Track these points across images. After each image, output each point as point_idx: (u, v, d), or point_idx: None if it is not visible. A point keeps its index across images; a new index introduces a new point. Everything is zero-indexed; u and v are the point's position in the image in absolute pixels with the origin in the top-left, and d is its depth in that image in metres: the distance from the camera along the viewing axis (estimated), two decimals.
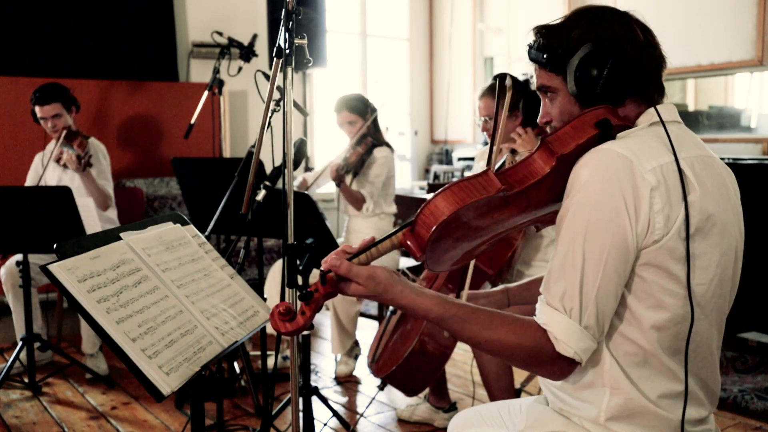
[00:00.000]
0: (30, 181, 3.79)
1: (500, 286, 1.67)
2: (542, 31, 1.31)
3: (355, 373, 3.58)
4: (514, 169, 1.22)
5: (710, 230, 1.19)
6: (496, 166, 1.28)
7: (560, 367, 1.18)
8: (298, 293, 1.20)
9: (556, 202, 1.27)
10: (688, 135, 1.27)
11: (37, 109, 3.58)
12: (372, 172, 3.63)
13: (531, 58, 1.32)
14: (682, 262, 1.17)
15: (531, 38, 1.33)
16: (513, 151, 2.67)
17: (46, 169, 3.63)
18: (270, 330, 3.49)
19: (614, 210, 1.14)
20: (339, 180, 3.54)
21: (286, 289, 2.04)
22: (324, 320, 4.59)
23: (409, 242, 1.19)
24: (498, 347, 1.19)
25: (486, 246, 1.38)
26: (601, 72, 1.22)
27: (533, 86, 1.37)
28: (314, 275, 3.36)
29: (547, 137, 1.23)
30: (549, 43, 1.28)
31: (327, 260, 1.21)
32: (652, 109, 1.26)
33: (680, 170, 1.17)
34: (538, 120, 1.37)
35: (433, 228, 1.15)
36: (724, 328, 1.30)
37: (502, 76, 2.75)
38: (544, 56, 1.28)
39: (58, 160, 3.65)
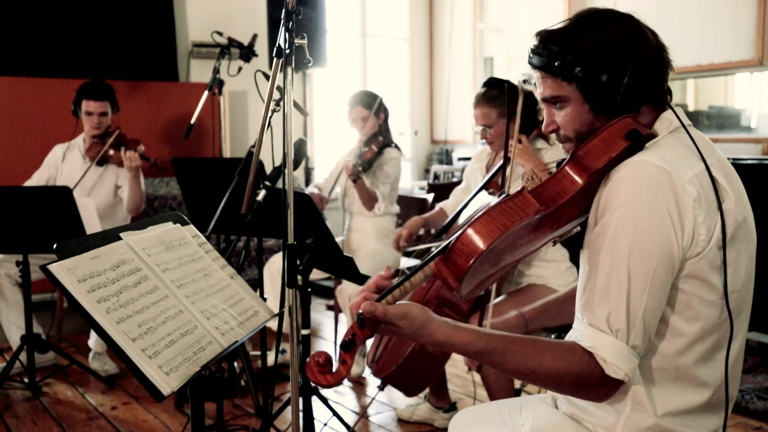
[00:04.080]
0: (44, 170, 3.78)
1: (513, 312, 1.64)
2: (549, 36, 1.24)
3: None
4: (545, 187, 1.17)
5: (741, 236, 1.18)
6: (486, 179, 1.26)
7: (607, 389, 1.15)
8: (339, 343, 1.15)
9: (580, 217, 1.24)
10: (702, 138, 1.25)
11: (86, 103, 3.64)
12: (384, 173, 3.61)
13: (536, 66, 1.25)
14: (718, 271, 1.15)
15: (534, 44, 1.26)
16: (500, 169, 2.65)
17: (88, 170, 3.64)
18: (271, 326, 3.48)
19: (659, 225, 1.10)
20: (356, 176, 3.46)
21: (286, 289, 2.04)
22: (324, 320, 4.59)
23: (444, 273, 1.14)
24: (545, 376, 1.15)
25: (512, 267, 1.34)
26: (621, 80, 1.18)
27: (536, 93, 1.33)
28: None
29: (577, 151, 1.18)
30: (560, 50, 1.21)
31: (360, 305, 1.14)
32: (668, 114, 1.24)
33: (712, 178, 1.15)
34: (543, 129, 1.33)
35: (475, 257, 1.09)
36: (746, 333, 1.30)
37: (493, 82, 2.74)
38: (555, 64, 1.21)
39: (102, 160, 3.67)
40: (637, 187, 1.12)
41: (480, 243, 1.10)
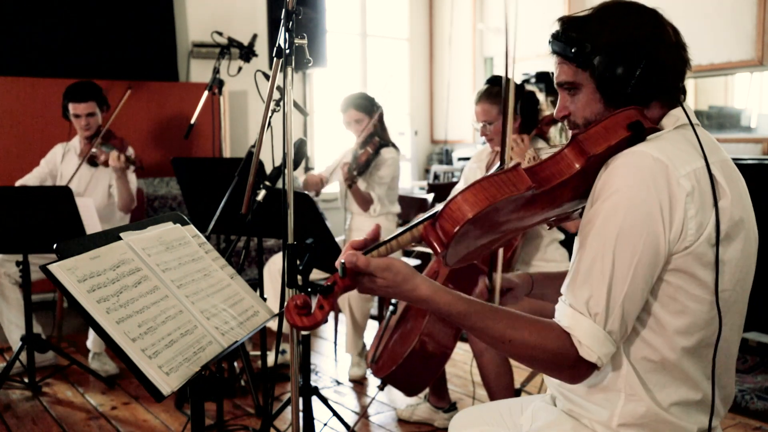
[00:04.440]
0: (42, 166, 3.78)
1: (520, 271, 1.64)
2: (570, 23, 1.26)
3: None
4: (542, 166, 1.19)
5: (737, 235, 1.18)
6: (491, 173, 1.26)
7: (580, 371, 1.16)
8: (318, 288, 1.17)
9: (576, 200, 1.25)
10: (709, 138, 1.25)
11: (72, 105, 3.61)
12: (380, 173, 3.61)
13: (555, 51, 1.27)
14: (709, 268, 1.15)
15: (555, 28, 1.27)
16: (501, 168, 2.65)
17: (79, 168, 3.64)
18: (271, 326, 3.48)
19: (649, 215, 1.11)
20: (351, 182, 3.48)
21: (286, 289, 2.04)
22: None
23: (430, 236, 1.16)
24: (521, 348, 1.17)
25: (501, 243, 1.36)
26: (633, 72, 1.20)
27: (554, 83, 1.33)
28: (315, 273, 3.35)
29: (578, 135, 1.19)
30: (579, 37, 1.23)
31: (344, 256, 1.17)
32: (677, 111, 1.24)
33: (711, 175, 1.15)
34: (555, 114, 1.34)
35: (461, 224, 1.12)
36: (742, 331, 1.30)
37: (495, 79, 2.75)
38: (572, 50, 1.23)
39: (92, 160, 3.66)
40: (631, 176, 1.13)
41: (467, 210, 1.12)
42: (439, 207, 1.17)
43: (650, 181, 1.11)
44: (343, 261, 1.16)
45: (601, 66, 1.21)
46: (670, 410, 1.20)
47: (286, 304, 1.16)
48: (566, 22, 1.26)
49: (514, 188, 1.14)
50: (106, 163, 3.61)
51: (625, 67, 1.20)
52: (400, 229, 1.20)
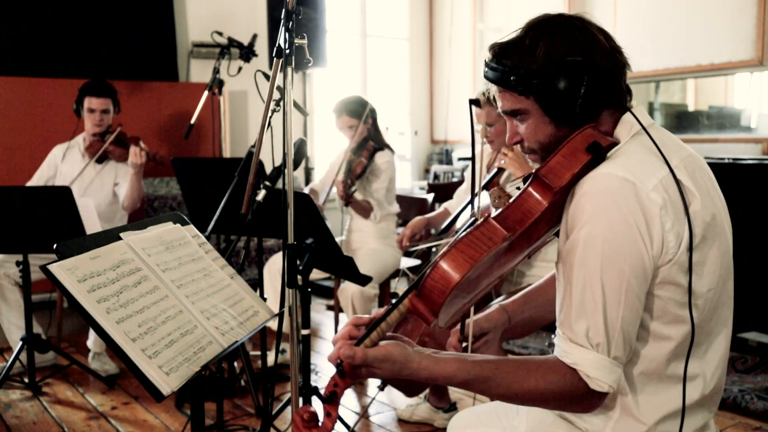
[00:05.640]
0: (44, 170, 3.80)
1: (495, 305, 1.61)
2: (502, 50, 1.23)
3: None
4: (510, 210, 1.17)
5: (712, 234, 1.18)
6: (486, 179, 1.25)
7: (594, 401, 1.16)
8: (321, 398, 1.15)
9: (551, 230, 1.24)
10: (667, 136, 1.24)
11: (88, 99, 3.68)
12: (377, 180, 3.59)
13: (492, 80, 1.24)
14: (689, 272, 1.15)
15: (488, 57, 1.24)
16: (501, 169, 2.65)
17: (86, 168, 3.68)
18: (271, 326, 3.48)
19: (627, 237, 1.10)
20: (348, 199, 3.46)
21: (287, 289, 2.04)
22: (324, 320, 4.59)
23: (419, 309, 1.14)
24: (531, 397, 1.16)
25: (488, 289, 1.35)
26: (578, 90, 1.17)
27: (499, 108, 1.30)
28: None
29: (539, 170, 1.17)
30: (514, 64, 1.20)
31: (339, 352, 1.15)
32: (628, 117, 1.22)
33: (677, 181, 1.14)
34: (507, 141, 1.31)
35: (448, 292, 1.10)
36: (731, 324, 1.30)
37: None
38: (511, 79, 1.20)
39: (103, 157, 3.69)
40: (601, 200, 1.11)
41: (451, 278, 1.10)
42: (422, 273, 1.15)
43: (621, 202, 1.10)
44: (340, 360, 1.14)
45: (543, 90, 1.18)
46: (664, 425, 1.20)
47: (292, 418, 1.15)
48: (498, 49, 1.24)
49: (491, 243, 1.12)
50: (120, 158, 3.65)
51: (568, 86, 1.17)
52: (387, 309, 1.17)
